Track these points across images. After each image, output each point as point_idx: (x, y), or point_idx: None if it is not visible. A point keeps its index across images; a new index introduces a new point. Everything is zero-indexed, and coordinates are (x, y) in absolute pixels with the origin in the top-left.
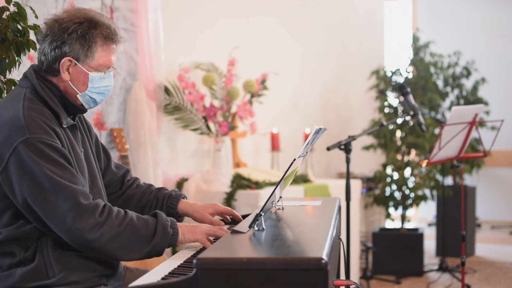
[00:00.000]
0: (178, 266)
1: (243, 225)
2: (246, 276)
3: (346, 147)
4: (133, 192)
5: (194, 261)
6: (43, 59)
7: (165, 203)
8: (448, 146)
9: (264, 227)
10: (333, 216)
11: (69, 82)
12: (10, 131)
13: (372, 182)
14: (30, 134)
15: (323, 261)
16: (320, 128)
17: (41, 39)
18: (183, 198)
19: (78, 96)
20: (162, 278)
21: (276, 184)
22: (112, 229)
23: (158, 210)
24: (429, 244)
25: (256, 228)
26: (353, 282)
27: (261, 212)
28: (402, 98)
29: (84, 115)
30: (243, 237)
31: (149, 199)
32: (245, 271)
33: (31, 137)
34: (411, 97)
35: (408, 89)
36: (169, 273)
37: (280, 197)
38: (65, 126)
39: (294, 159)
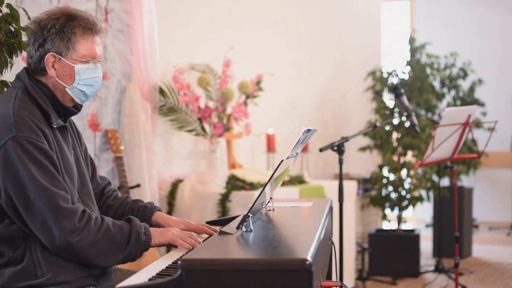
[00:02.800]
0: (167, 267)
1: (231, 226)
2: (231, 277)
3: (339, 148)
4: (112, 203)
5: (179, 262)
6: (30, 61)
7: (139, 214)
8: (441, 147)
9: (252, 228)
10: (323, 217)
11: (56, 78)
12: (0, 128)
13: (369, 183)
14: (18, 132)
15: (308, 262)
16: (310, 129)
17: (26, 43)
18: (158, 210)
19: (67, 89)
20: (149, 279)
21: (264, 185)
22: (91, 236)
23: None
24: (426, 245)
25: (244, 229)
26: (341, 283)
27: (249, 213)
28: (396, 100)
29: (79, 116)
30: (231, 238)
31: (124, 210)
32: (230, 272)
33: (18, 135)
34: (405, 98)
35: (402, 90)
36: (157, 274)
37: (271, 198)
38: (55, 126)
39: (282, 160)
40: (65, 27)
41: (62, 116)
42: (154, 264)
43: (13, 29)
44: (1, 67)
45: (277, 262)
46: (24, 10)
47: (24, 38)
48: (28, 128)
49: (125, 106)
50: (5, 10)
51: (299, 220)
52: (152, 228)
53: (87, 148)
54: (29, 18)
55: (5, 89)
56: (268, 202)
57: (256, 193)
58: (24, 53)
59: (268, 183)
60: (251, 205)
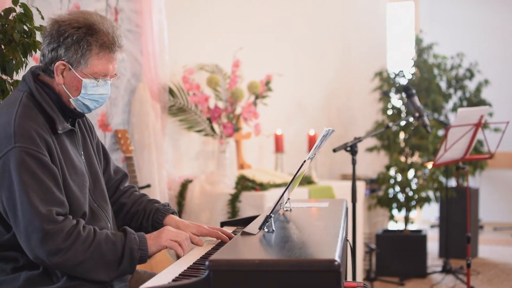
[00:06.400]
0: (188, 268)
1: (252, 227)
2: (258, 277)
3: (352, 148)
4: (126, 201)
5: (207, 262)
6: (42, 59)
7: (151, 216)
8: (453, 147)
9: (274, 229)
10: (342, 218)
11: (63, 85)
12: (1, 138)
13: (376, 184)
14: (17, 143)
15: (336, 263)
16: (329, 130)
17: (42, 39)
18: (172, 213)
19: (70, 100)
20: (173, 280)
21: (287, 185)
22: (77, 256)
23: (145, 222)
24: (432, 245)
25: (266, 230)
26: (363, 284)
27: (271, 214)
28: (406, 100)
29: (89, 116)
30: (253, 239)
31: (137, 210)
32: (257, 272)
33: (17, 146)
34: (416, 99)
35: (414, 91)
36: (180, 274)
37: (288, 198)
38: (60, 132)
39: (304, 161)
40: (82, 41)
41: (69, 118)
42: (174, 265)
43: (27, 29)
44: (16, 67)
45: (306, 263)
46: (38, 9)
47: (38, 37)
48: (28, 138)
49: (135, 106)
50: (18, 9)
51: (318, 220)
52: (147, 235)
53: (99, 141)
54: (42, 17)
55: None
56: (286, 202)
57: (266, 193)
58: (35, 54)
59: (287, 184)
60: (273, 206)
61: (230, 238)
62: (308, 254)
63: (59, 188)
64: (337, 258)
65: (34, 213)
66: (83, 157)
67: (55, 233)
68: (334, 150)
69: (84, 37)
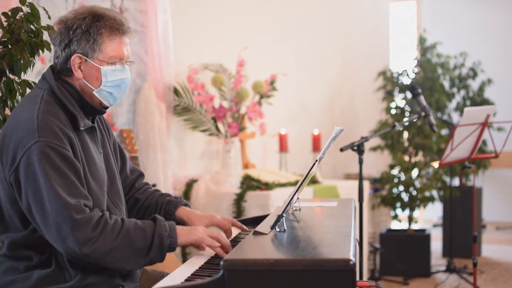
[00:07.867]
0: (200, 268)
1: (264, 226)
2: (273, 277)
3: (359, 148)
4: (140, 196)
5: (221, 262)
6: (56, 61)
7: (163, 209)
8: (459, 147)
9: (285, 228)
10: (352, 217)
11: (83, 80)
12: (24, 133)
13: (379, 183)
14: (40, 138)
15: (351, 262)
16: (338, 130)
17: (52, 43)
18: (184, 205)
19: (94, 93)
20: (186, 280)
21: (298, 185)
22: (106, 244)
23: (157, 215)
24: (435, 245)
25: (278, 229)
26: (375, 283)
27: (282, 213)
28: (411, 99)
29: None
30: (266, 238)
31: (150, 204)
32: (272, 272)
33: (41, 141)
34: (422, 98)
35: (419, 90)
36: (192, 274)
37: (298, 198)
38: (82, 128)
39: (316, 160)
40: (91, 28)
41: (89, 116)
42: (186, 265)
43: (34, 28)
44: (24, 67)
45: (321, 262)
46: (44, 9)
47: (45, 37)
48: (51, 133)
49: (140, 106)
50: (25, 9)
51: (328, 220)
52: (179, 227)
53: (116, 140)
54: (49, 17)
55: (28, 90)
56: (295, 202)
57: (272, 193)
58: (42, 54)
59: (298, 183)
60: (285, 205)
61: (242, 230)
62: (322, 254)
63: (82, 184)
64: (351, 257)
65: (63, 204)
66: (102, 155)
67: (85, 222)
68: (341, 150)
69: (92, 23)
